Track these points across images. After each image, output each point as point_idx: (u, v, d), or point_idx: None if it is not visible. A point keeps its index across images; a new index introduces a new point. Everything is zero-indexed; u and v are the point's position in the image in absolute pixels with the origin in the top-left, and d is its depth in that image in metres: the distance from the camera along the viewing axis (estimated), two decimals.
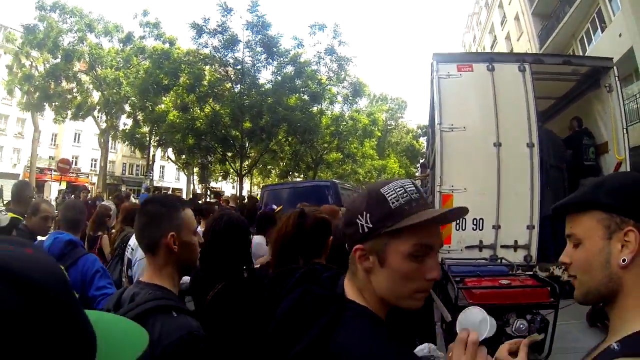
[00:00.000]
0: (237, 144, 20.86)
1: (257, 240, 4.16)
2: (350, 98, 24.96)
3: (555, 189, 5.44)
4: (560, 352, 3.08)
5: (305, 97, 22.23)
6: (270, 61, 20.64)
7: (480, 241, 4.87)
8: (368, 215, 0.92)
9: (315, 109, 23.17)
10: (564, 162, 5.71)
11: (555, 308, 2.94)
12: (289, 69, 21.28)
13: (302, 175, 29.90)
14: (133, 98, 18.40)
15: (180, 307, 1.38)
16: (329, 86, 23.28)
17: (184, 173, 31.51)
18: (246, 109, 19.58)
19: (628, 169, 5.07)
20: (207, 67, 20.39)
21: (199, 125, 19.99)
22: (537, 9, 21.92)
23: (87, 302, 2.57)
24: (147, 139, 23.59)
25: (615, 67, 5.46)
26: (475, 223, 4.91)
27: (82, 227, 3.40)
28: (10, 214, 2.13)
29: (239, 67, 20.07)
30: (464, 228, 4.88)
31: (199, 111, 20.42)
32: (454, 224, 4.83)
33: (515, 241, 4.90)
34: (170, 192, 31.46)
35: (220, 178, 28.32)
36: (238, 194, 19.99)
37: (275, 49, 20.11)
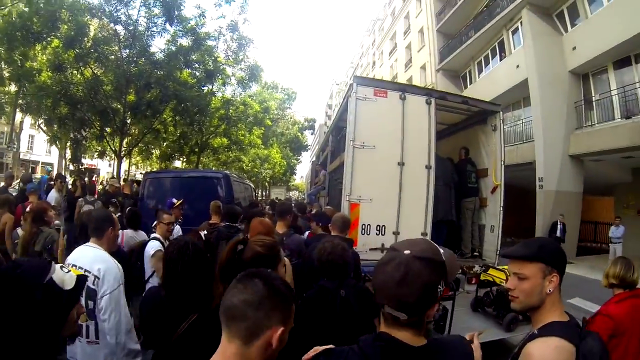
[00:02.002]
0: (118, 119, 19.48)
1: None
2: (246, 82, 24.75)
3: (444, 203, 7.04)
4: (454, 331, 4.55)
5: (198, 74, 21.59)
6: (168, 28, 19.45)
7: (382, 244, 5.98)
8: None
9: (206, 88, 22.67)
10: (452, 182, 7.36)
11: (453, 299, 4.30)
12: (187, 40, 20.41)
13: (184, 159, 29.21)
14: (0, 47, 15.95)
15: None
16: (224, 66, 22.86)
17: (56, 146, 28.05)
18: (132, 79, 18.40)
19: (503, 192, 6.91)
20: (94, 21, 18.37)
21: (75, 91, 18.07)
22: (443, 27, 24.29)
23: None
24: (14, 101, 20.52)
25: (501, 112, 7.13)
26: (378, 229, 6.04)
27: None
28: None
29: (131, 27, 18.45)
30: (368, 233, 6.01)
31: (77, 74, 18.39)
32: (360, 228, 5.95)
33: None
34: (39, 166, 27.40)
35: (96, 155, 25.94)
36: (117, 176, 18.91)
37: (176, 14, 18.93)
